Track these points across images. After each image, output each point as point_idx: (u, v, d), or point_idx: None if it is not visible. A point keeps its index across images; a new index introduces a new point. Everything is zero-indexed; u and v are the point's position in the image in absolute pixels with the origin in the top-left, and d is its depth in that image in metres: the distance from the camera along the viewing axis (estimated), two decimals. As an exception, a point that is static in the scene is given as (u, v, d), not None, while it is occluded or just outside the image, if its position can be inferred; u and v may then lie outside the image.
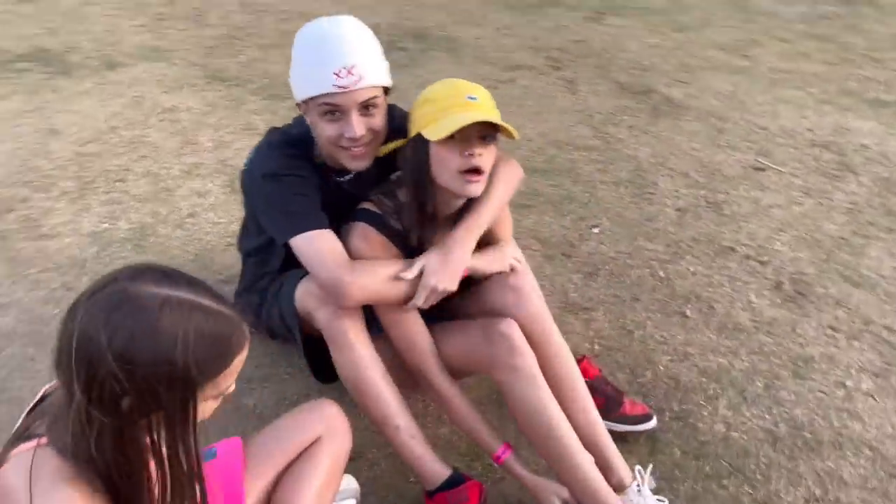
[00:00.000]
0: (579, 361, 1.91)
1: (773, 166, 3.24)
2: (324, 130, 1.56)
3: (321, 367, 1.71)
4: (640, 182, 3.04)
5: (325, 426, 1.49)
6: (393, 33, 4.39)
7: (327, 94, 1.51)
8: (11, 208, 2.48)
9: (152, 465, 1.00)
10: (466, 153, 1.46)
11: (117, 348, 0.90)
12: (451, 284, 1.58)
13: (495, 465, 1.62)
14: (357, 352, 1.58)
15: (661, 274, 2.47)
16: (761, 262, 2.56)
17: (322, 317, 1.58)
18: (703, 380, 2.04)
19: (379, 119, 1.58)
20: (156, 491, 1.02)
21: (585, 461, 1.51)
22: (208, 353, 0.97)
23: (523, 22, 4.89)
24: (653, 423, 1.86)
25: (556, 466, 1.54)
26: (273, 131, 1.75)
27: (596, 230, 2.70)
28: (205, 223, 2.52)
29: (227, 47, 3.88)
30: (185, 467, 1.02)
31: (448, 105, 1.48)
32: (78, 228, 2.42)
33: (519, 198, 2.83)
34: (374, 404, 1.59)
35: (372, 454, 1.76)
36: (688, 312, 2.30)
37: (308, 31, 1.57)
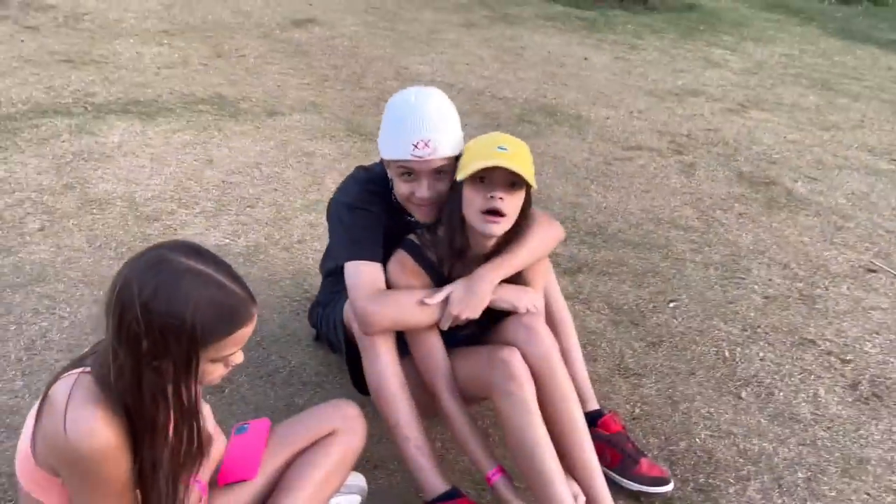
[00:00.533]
0: (603, 415, 1.96)
1: (889, 270, 3.06)
2: (399, 187, 1.80)
3: (361, 379, 1.91)
4: (733, 266, 3.00)
5: (342, 422, 1.67)
6: (526, 108, 4.66)
7: (405, 161, 1.75)
8: (158, 218, 2.95)
9: (161, 406, 1.24)
10: (489, 195, 1.63)
11: (143, 299, 1.14)
12: (473, 314, 1.73)
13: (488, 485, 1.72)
14: (382, 362, 1.76)
15: (727, 354, 2.44)
16: (843, 360, 2.45)
17: (356, 329, 1.79)
18: (740, 460, 1.99)
19: (446, 183, 1.78)
20: (160, 424, 1.25)
21: (565, 493, 1.57)
22: (214, 319, 1.19)
23: (658, 108, 4.99)
24: (669, 488, 1.87)
25: (536, 493, 1.60)
26: (359, 169, 2.02)
27: (672, 305, 2.71)
28: (308, 250, 2.84)
29: (373, 107, 4.34)
30: (185, 408, 1.24)
31: (481, 153, 1.66)
32: (204, 241, 2.83)
33: (600, 265, 2.92)
34: (389, 411, 1.76)
35: (393, 465, 1.90)
36: (743, 395, 2.25)
37: (398, 100, 1.81)
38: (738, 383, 2.30)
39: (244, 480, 1.57)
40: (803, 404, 2.22)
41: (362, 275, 1.76)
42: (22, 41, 4.87)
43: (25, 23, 5.27)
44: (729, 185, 3.81)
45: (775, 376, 2.34)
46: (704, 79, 5.84)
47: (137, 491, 1.27)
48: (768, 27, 7.71)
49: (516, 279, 1.83)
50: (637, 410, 2.17)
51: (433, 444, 1.79)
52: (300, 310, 2.48)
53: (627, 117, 4.71)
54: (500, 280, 1.78)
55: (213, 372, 1.28)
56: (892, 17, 8.53)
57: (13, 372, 2.08)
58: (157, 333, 1.15)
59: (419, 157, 1.71)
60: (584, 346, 2.15)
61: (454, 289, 1.75)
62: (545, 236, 1.88)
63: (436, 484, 1.71)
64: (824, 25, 7.99)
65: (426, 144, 1.71)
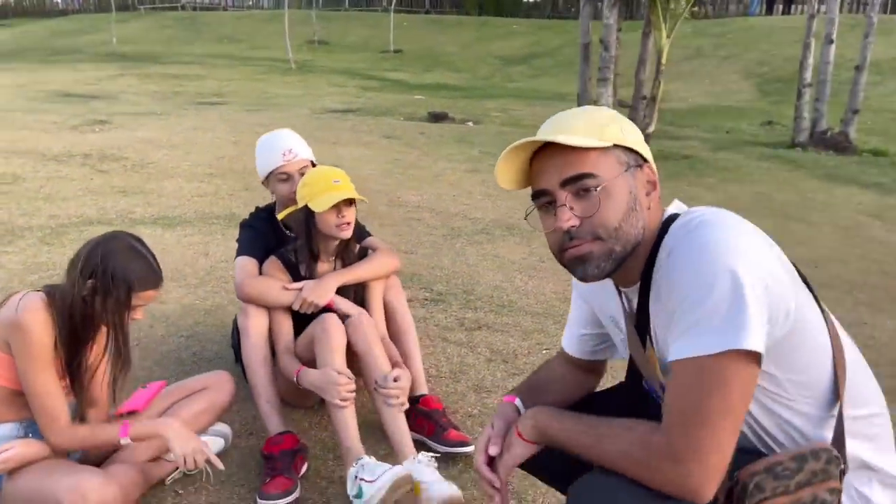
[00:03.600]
0: (425, 396, 2.52)
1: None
2: (280, 190, 2.57)
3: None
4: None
5: (213, 382, 2.34)
6: (488, 224, 5.42)
7: (280, 166, 2.56)
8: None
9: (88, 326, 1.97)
10: (340, 215, 2.38)
11: (103, 255, 1.93)
12: (318, 300, 2.42)
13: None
14: (251, 342, 2.44)
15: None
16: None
17: (240, 317, 2.49)
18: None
19: None
20: (85, 339, 1.98)
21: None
22: (143, 280, 1.96)
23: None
24: (471, 448, 2.37)
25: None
26: (257, 208, 2.81)
27: (545, 351, 3.24)
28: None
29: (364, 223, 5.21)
30: (122, 331, 1.97)
31: (322, 188, 2.41)
32: (179, 299, 3.60)
33: (498, 325, 3.49)
34: (252, 375, 2.42)
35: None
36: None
37: (263, 139, 2.71)
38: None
39: (134, 411, 2.22)
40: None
41: (243, 263, 2.53)
42: (91, 179, 6.10)
43: (100, 167, 6.56)
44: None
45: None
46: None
47: (67, 381, 1.95)
48: (755, 171, 8.38)
49: (361, 292, 2.52)
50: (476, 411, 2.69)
51: (281, 403, 2.40)
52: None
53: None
54: (340, 284, 2.47)
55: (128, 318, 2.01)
56: (887, 165, 9.04)
57: None
58: (107, 278, 1.92)
59: (289, 160, 2.55)
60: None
61: (308, 283, 2.45)
62: (382, 262, 2.62)
63: (277, 425, 2.33)
64: (813, 171, 8.59)
65: (290, 151, 2.58)
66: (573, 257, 1.29)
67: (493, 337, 3.40)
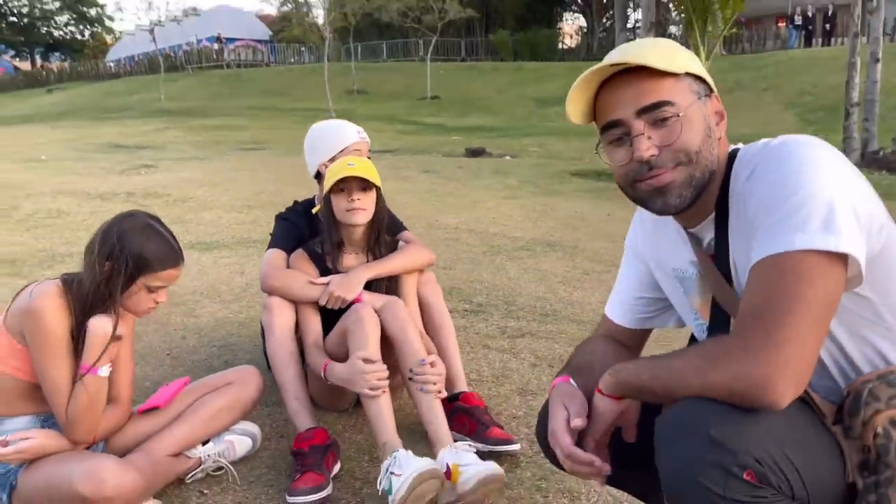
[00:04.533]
0: (465, 393, 2.35)
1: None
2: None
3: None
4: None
5: (238, 377, 2.22)
6: (530, 242, 5.27)
7: (354, 142, 2.56)
8: (184, 304, 3.70)
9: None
10: (349, 199, 2.26)
11: (118, 235, 1.84)
12: (346, 295, 2.28)
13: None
14: (276, 338, 2.31)
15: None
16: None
17: (263, 314, 2.37)
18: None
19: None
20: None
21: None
22: (156, 257, 1.85)
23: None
24: (515, 447, 2.19)
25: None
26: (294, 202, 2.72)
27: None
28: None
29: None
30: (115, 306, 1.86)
31: (337, 172, 2.31)
32: (214, 314, 3.52)
33: (542, 332, 3.31)
34: (278, 372, 2.27)
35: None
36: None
37: (320, 125, 2.67)
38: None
39: (155, 408, 2.11)
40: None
41: (271, 255, 2.41)
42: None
43: (142, 203, 6.64)
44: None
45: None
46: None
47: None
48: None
49: (393, 288, 2.39)
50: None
51: (313, 406, 2.26)
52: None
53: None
54: (369, 277, 2.33)
55: (144, 302, 1.90)
56: None
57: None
58: (121, 259, 1.82)
59: (363, 138, 2.56)
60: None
61: (336, 277, 2.32)
62: (415, 254, 2.48)
63: (306, 421, 2.17)
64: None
65: (362, 131, 2.59)
66: (652, 188, 1.24)
67: (537, 343, 3.22)
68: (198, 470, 2.10)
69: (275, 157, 10.46)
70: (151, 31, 28.46)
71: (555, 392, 1.38)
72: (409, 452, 1.95)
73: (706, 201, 1.26)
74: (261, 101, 23.36)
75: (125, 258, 1.81)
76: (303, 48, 37.17)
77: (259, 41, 43.72)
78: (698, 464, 1.06)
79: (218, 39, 39.54)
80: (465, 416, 2.27)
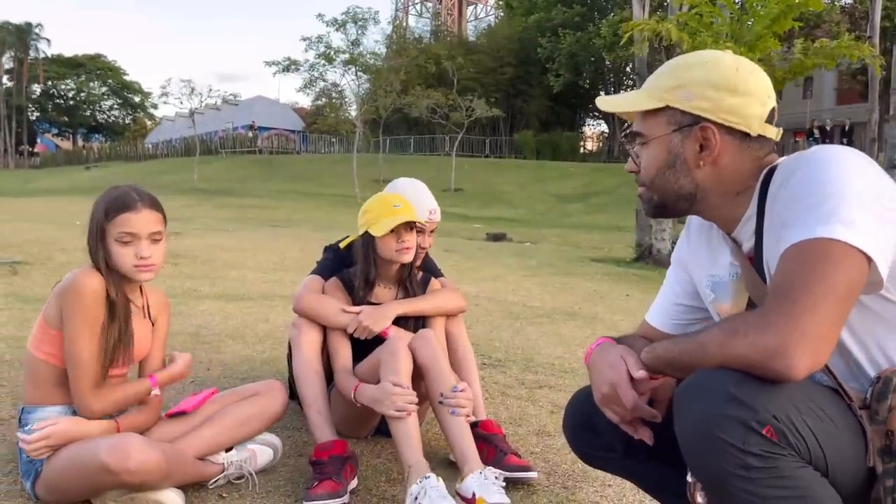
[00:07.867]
0: (484, 420, 2.37)
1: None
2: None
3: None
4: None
5: (265, 390, 2.28)
6: (549, 311, 5.32)
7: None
8: (209, 342, 3.77)
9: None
10: (400, 240, 2.38)
11: (93, 206, 1.96)
12: (375, 326, 2.36)
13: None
14: (303, 356, 2.37)
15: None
16: None
17: (292, 332, 2.44)
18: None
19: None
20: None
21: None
22: (108, 204, 1.94)
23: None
24: (533, 475, 2.20)
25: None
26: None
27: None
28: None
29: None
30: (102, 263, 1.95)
31: (382, 213, 2.42)
32: (237, 353, 3.58)
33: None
34: (303, 389, 2.32)
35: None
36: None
37: (400, 182, 2.76)
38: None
39: (183, 412, 2.17)
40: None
41: (309, 280, 2.53)
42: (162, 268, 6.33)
43: (171, 261, 6.81)
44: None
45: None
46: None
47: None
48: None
49: (420, 326, 2.48)
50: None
51: (331, 417, 2.29)
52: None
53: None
54: (399, 313, 2.43)
55: (123, 257, 1.94)
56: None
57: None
58: (92, 221, 1.94)
59: (432, 219, 2.66)
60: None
61: (368, 308, 2.41)
62: (448, 298, 2.60)
63: (326, 433, 2.20)
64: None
65: (435, 211, 2.68)
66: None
67: (556, 394, 3.23)
68: (220, 476, 2.12)
69: (302, 233, 10.71)
70: (191, 115, 29.73)
71: (604, 347, 1.41)
72: (441, 483, 1.94)
73: (743, 207, 1.34)
74: (290, 186, 24.05)
75: (93, 215, 1.94)
76: (333, 139, 38.52)
77: (292, 131, 45.47)
78: (718, 417, 1.09)
79: (251, 127, 41.18)
80: (483, 442, 2.28)
